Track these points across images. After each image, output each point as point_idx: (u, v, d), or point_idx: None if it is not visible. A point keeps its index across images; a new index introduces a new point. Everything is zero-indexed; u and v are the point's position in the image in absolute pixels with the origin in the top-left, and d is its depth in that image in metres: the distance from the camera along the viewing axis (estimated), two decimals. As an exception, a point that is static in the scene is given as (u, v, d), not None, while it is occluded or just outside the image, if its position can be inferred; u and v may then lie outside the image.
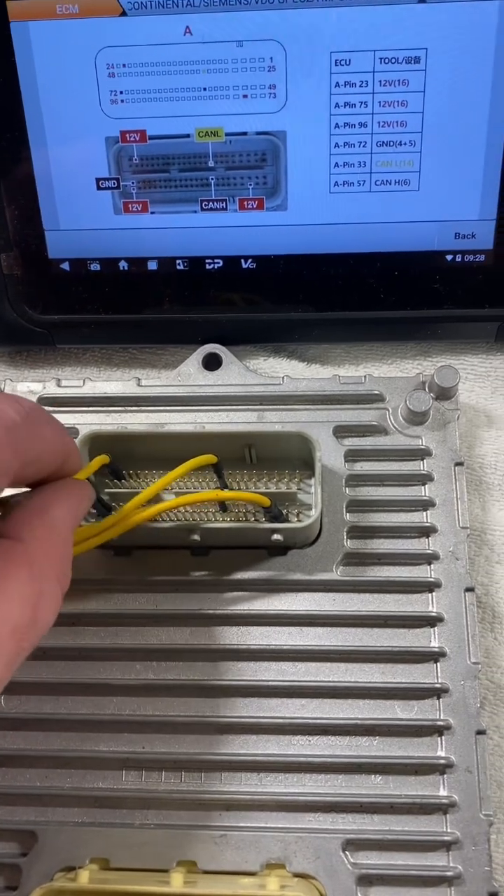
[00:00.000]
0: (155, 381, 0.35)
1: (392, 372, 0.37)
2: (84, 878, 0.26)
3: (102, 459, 0.29)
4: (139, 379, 0.35)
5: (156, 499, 0.29)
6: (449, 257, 0.34)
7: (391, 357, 0.37)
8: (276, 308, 0.35)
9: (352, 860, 0.28)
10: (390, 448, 0.33)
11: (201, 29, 0.30)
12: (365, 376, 0.34)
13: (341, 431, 0.33)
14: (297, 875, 0.27)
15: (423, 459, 0.33)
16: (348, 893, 0.27)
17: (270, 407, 0.34)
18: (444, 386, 0.33)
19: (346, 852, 0.28)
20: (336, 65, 0.31)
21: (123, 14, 0.30)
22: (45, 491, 0.24)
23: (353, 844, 0.28)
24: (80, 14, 0.30)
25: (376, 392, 0.34)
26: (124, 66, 0.31)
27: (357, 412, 0.34)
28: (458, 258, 0.34)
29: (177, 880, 0.26)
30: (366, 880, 0.27)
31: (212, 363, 0.35)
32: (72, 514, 0.24)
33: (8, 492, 0.23)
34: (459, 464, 0.32)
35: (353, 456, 0.33)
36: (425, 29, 0.30)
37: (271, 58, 0.31)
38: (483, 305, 0.34)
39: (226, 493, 0.29)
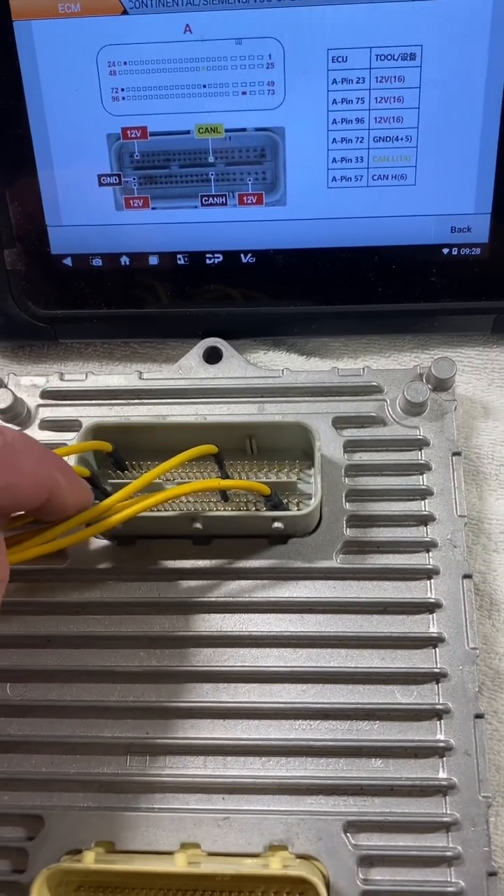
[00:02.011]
0: (156, 375, 0.35)
1: (390, 364, 0.37)
2: (90, 858, 0.27)
3: (103, 445, 0.30)
4: (141, 372, 0.35)
5: (159, 489, 0.30)
6: (445, 251, 0.34)
7: (389, 350, 0.38)
8: (276, 302, 0.36)
9: (353, 842, 0.28)
10: (389, 438, 0.33)
11: (201, 27, 0.31)
12: (363, 368, 0.34)
13: (340, 422, 0.34)
14: (299, 856, 0.28)
15: (420, 449, 0.33)
16: (350, 874, 0.28)
17: (270, 399, 0.35)
18: (442, 377, 0.33)
19: (348, 834, 0.28)
20: (333, 62, 0.31)
21: (124, 13, 0.31)
22: None
23: (355, 826, 0.28)
24: (82, 13, 0.31)
25: (375, 384, 0.34)
26: (125, 63, 0.32)
27: (356, 404, 0.34)
28: (455, 252, 0.34)
29: (181, 860, 0.26)
30: (367, 861, 0.28)
31: (212, 357, 0.36)
32: None
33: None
34: (457, 453, 0.33)
35: (352, 446, 0.33)
36: (420, 25, 0.30)
37: (270, 55, 0.31)
38: (479, 298, 0.35)
39: (226, 482, 0.29)
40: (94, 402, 0.35)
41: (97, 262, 0.35)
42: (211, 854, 0.28)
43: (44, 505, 0.25)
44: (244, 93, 0.32)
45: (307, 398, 0.34)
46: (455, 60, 0.31)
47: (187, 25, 0.31)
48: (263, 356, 0.38)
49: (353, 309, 0.35)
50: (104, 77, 0.32)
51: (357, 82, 0.31)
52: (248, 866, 0.26)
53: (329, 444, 0.33)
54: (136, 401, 0.35)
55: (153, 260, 0.35)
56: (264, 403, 0.35)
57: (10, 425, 0.34)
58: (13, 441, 0.23)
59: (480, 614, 0.33)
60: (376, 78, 0.31)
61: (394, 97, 0.32)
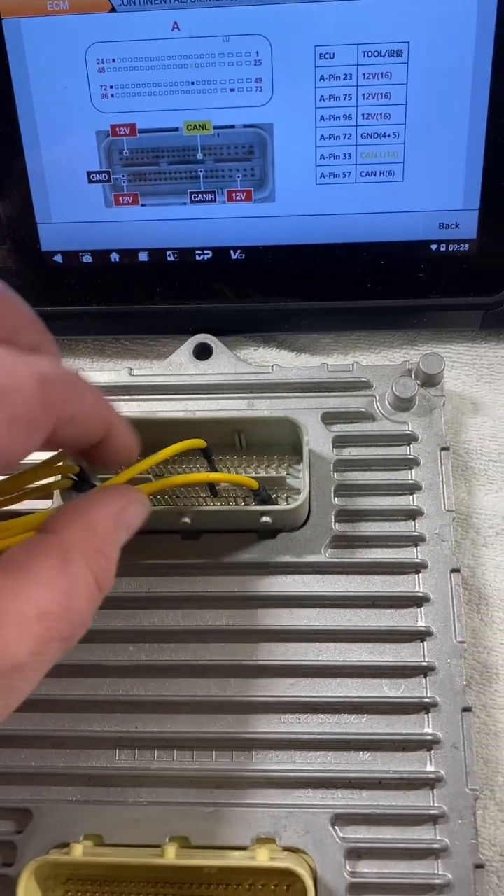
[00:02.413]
0: (147, 371, 0.36)
1: (379, 360, 0.37)
2: (78, 851, 0.27)
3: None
4: (131, 369, 0.35)
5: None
6: (434, 247, 0.34)
7: (379, 346, 0.38)
8: (265, 298, 0.36)
9: (341, 834, 0.28)
10: (377, 434, 0.33)
11: (189, 24, 0.31)
12: (353, 364, 0.35)
13: (329, 418, 0.34)
14: (287, 849, 0.28)
15: (409, 445, 0.33)
16: (337, 866, 0.28)
17: (260, 395, 0.35)
18: (430, 373, 0.33)
19: (336, 827, 0.28)
20: (321, 58, 0.31)
21: (112, 10, 0.31)
22: (88, 494, 0.24)
23: (342, 819, 0.28)
24: (71, 10, 0.31)
25: (364, 379, 0.34)
26: (114, 60, 0.32)
27: (345, 399, 0.34)
28: (443, 248, 0.34)
29: (170, 853, 0.27)
30: (354, 853, 0.28)
31: (203, 353, 0.36)
32: (115, 516, 0.23)
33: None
34: (445, 449, 0.33)
35: (341, 442, 0.34)
36: (407, 22, 0.31)
37: (257, 52, 0.31)
38: (468, 294, 0.35)
39: (214, 475, 0.29)
40: (84, 398, 0.35)
41: (87, 258, 0.36)
42: (198, 847, 0.28)
43: (99, 443, 0.24)
44: (232, 90, 0.32)
45: (297, 394, 0.35)
46: (442, 56, 0.31)
47: (175, 23, 0.31)
48: (254, 352, 0.38)
49: (342, 305, 0.36)
50: (93, 74, 0.32)
51: (344, 79, 0.32)
52: (236, 858, 0.26)
53: (318, 439, 0.33)
54: (126, 397, 0.35)
55: (143, 256, 0.35)
56: (254, 399, 0.35)
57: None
58: (73, 374, 0.22)
59: (469, 608, 0.33)
60: (363, 74, 0.31)
61: (381, 93, 0.32)
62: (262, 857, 0.26)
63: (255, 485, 0.30)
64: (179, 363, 0.36)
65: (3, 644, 0.19)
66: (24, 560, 0.20)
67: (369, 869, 0.28)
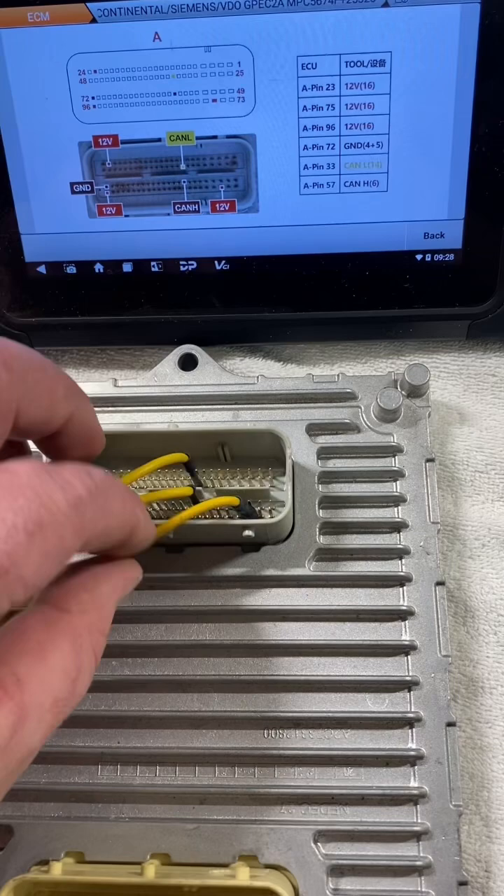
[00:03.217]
0: (131, 382, 0.35)
1: (366, 371, 0.37)
2: (57, 869, 0.27)
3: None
4: (116, 380, 0.35)
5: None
6: (419, 257, 0.34)
7: (365, 356, 0.37)
8: (250, 309, 0.36)
9: (323, 851, 0.28)
10: (362, 445, 0.33)
11: (170, 35, 0.31)
12: (338, 375, 0.34)
13: (314, 429, 0.34)
14: (268, 866, 0.28)
15: (394, 456, 0.33)
16: (319, 884, 0.27)
17: (245, 406, 0.35)
18: (415, 384, 0.33)
19: (318, 843, 0.28)
20: (303, 69, 0.31)
21: (94, 21, 0.31)
22: (97, 565, 0.24)
23: (325, 836, 0.28)
24: (51, 21, 0.31)
25: (349, 390, 0.34)
26: (95, 72, 0.32)
27: (330, 410, 0.34)
28: (428, 258, 0.34)
29: (149, 872, 0.26)
30: (337, 871, 0.28)
31: (188, 364, 0.36)
32: (118, 592, 0.24)
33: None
34: (430, 460, 0.33)
35: (325, 453, 0.33)
36: (389, 32, 0.30)
37: (239, 62, 0.31)
38: (453, 304, 0.35)
39: (193, 509, 0.29)
40: (68, 409, 0.35)
41: (71, 269, 0.35)
42: (180, 864, 0.28)
43: (123, 542, 0.25)
44: (215, 100, 0.32)
45: (281, 405, 0.34)
46: (424, 66, 0.31)
47: (156, 33, 0.31)
48: (240, 363, 0.38)
49: (327, 315, 0.35)
50: (74, 85, 0.32)
51: (327, 89, 0.31)
52: (216, 877, 0.26)
53: (302, 451, 0.33)
54: (110, 408, 0.35)
55: (127, 267, 0.35)
56: (239, 410, 0.35)
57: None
58: (102, 483, 0.22)
59: (455, 621, 0.32)
60: (346, 84, 0.31)
61: (364, 103, 0.32)
62: (243, 876, 0.26)
63: (236, 502, 0.30)
64: (164, 374, 0.36)
65: (25, 736, 0.19)
66: (40, 644, 0.21)
67: (352, 886, 0.28)
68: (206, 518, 0.31)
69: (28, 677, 0.20)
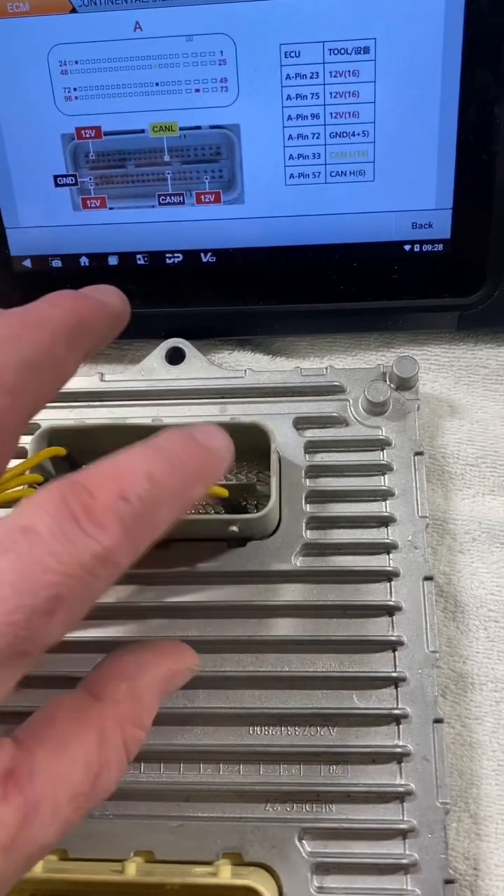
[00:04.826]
0: (118, 376, 0.35)
1: (356, 363, 0.37)
2: (39, 867, 0.26)
3: (56, 451, 0.29)
4: (102, 374, 0.35)
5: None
6: (407, 247, 0.34)
7: (355, 349, 0.37)
8: (237, 301, 0.35)
9: (308, 849, 0.28)
10: (350, 439, 0.33)
11: (151, 24, 0.31)
12: (326, 368, 0.34)
13: (302, 423, 0.33)
14: (253, 864, 0.27)
15: (382, 450, 0.33)
16: (303, 882, 0.27)
17: (232, 400, 0.34)
18: (404, 376, 0.33)
19: (303, 841, 0.28)
20: (286, 57, 0.31)
21: (73, 11, 0.31)
22: (141, 651, 0.23)
23: (310, 833, 0.28)
24: (31, 12, 0.31)
25: (337, 383, 0.34)
26: (76, 62, 0.31)
27: (318, 404, 0.34)
28: (417, 248, 0.34)
29: (131, 870, 0.26)
30: (322, 868, 0.28)
31: (175, 357, 0.35)
32: (161, 683, 0.23)
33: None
34: (419, 454, 0.32)
35: (313, 447, 0.33)
36: (373, 19, 0.30)
37: (221, 51, 0.31)
38: (443, 295, 0.34)
39: None
40: (54, 404, 0.35)
41: (56, 263, 0.35)
42: (163, 861, 0.28)
43: None
44: (197, 90, 0.31)
45: (269, 398, 0.34)
46: (410, 53, 0.30)
47: (137, 23, 0.31)
48: (228, 356, 0.37)
49: (315, 307, 0.35)
50: (56, 77, 0.32)
51: (311, 77, 0.31)
52: (198, 875, 0.26)
53: (289, 445, 0.33)
54: (97, 403, 0.35)
55: (112, 260, 0.35)
56: (226, 404, 0.34)
57: None
58: (148, 496, 0.19)
59: (444, 616, 0.32)
60: (330, 73, 0.31)
61: (349, 92, 0.31)
62: (225, 874, 0.26)
63: (225, 493, 0.29)
64: (151, 368, 0.35)
65: (35, 832, 0.18)
66: (63, 734, 0.20)
67: (337, 884, 0.27)
68: (191, 513, 0.31)
69: (43, 769, 0.19)
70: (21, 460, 0.30)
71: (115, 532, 0.18)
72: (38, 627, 0.18)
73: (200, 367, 0.35)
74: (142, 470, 0.19)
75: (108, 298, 0.25)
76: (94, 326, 0.24)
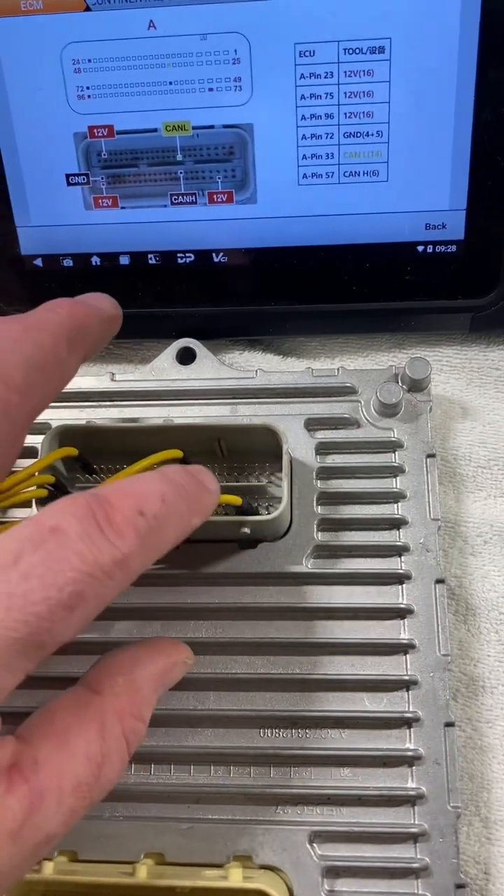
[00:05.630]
0: (129, 376, 0.35)
1: (367, 364, 0.37)
2: (49, 869, 0.26)
3: (68, 451, 0.29)
4: (113, 374, 0.35)
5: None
6: (420, 248, 0.34)
7: (366, 350, 0.37)
8: (249, 301, 0.35)
9: (318, 852, 0.28)
10: (362, 440, 0.33)
11: (165, 23, 0.30)
12: (338, 369, 0.34)
13: (313, 424, 0.33)
14: (263, 867, 0.27)
15: (394, 451, 0.33)
16: (314, 885, 0.27)
17: (243, 400, 0.34)
18: (416, 378, 0.33)
19: (314, 844, 0.28)
20: (300, 56, 0.31)
21: (87, 9, 0.30)
22: (136, 648, 0.24)
23: (321, 836, 0.28)
24: (45, 10, 0.31)
25: (349, 384, 0.34)
26: (90, 61, 0.31)
27: (329, 405, 0.34)
28: (430, 249, 0.33)
29: (141, 872, 0.26)
30: (332, 872, 0.27)
31: (186, 357, 0.35)
32: (157, 677, 0.24)
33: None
34: (431, 456, 0.32)
35: (324, 449, 0.33)
36: (389, 18, 0.30)
37: (235, 50, 0.31)
38: (456, 296, 0.34)
39: None
40: (65, 404, 0.35)
41: (68, 262, 0.35)
42: (174, 864, 0.27)
43: None
44: (211, 89, 0.31)
45: (280, 399, 0.34)
46: (425, 53, 0.30)
47: (151, 21, 0.30)
48: (239, 356, 0.37)
49: (327, 308, 0.35)
50: (69, 75, 0.31)
51: (325, 77, 0.31)
52: (208, 878, 0.26)
53: (301, 446, 0.33)
54: (107, 403, 0.35)
55: (124, 260, 0.35)
56: (237, 405, 0.34)
57: None
58: (161, 513, 0.21)
59: (456, 619, 0.32)
60: (345, 72, 0.31)
61: (363, 91, 0.31)
62: (235, 878, 0.26)
63: (238, 501, 0.29)
64: (162, 368, 0.35)
65: (41, 820, 0.19)
66: (65, 728, 0.21)
67: (347, 888, 0.27)
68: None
69: (47, 761, 0.20)
70: (31, 460, 0.30)
71: (132, 541, 0.20)
72: (59, 622, 0.19)
73: (211, 368, 0.35)
74: (157, 491, 0.22)
75: (101, 304, 0.28)
76: (90, 329, 0.27)
